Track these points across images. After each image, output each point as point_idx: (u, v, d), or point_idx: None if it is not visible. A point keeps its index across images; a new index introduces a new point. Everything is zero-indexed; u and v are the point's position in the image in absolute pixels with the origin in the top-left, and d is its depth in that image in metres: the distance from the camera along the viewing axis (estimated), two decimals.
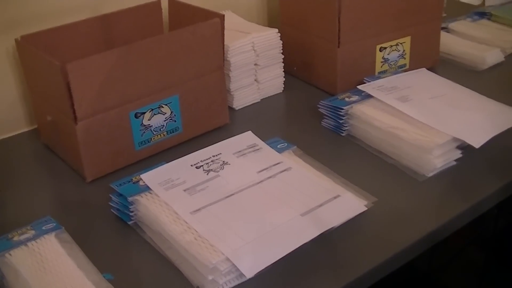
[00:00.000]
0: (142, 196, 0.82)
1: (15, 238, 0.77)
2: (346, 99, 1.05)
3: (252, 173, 0.87)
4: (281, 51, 1.17)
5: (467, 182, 0.90)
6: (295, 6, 1.22)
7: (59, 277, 0.71)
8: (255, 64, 1.15)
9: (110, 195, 0.84)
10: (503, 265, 1.25)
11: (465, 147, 0.94)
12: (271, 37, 1.15)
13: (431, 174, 0.91)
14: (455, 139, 0.93)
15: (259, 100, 1.19)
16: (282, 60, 1.19)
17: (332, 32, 1.12)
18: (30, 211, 0.87)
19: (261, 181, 0.85)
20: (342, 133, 1.04)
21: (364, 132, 1.01)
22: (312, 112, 1.10)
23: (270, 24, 1.36)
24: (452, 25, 1.46)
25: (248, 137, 0.97)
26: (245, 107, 1.17)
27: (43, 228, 0.79)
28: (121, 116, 0.93)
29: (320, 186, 0.85)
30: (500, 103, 1.04)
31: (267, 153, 0.93)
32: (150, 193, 0.83)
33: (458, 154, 0.94)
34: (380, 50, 1.18)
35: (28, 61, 0.98)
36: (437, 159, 0.91)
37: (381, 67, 1.20)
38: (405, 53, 1.22)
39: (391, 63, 1.21)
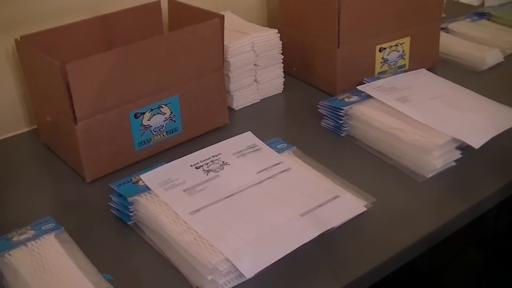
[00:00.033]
0: (141, 196, 0.82)
1: (15, 238, 0.77)
2: (346, 99, 1.05)
3: (251, 174, 0.87)
4: (281, 51, 1.17)
5: (466, 182, 0.90)
6: (295, 7, 1.22)
7: (59, 277, 0.71)
8: (255, 65, 1.15)
9: (110, 195, 0.84)
10: (503, 265, 1.25)
11: (464, 148, 0.94)
12: (270, 38, 1.15)
13: (430, 175, 0.91)
14: (455, 140, 0.93)
15: (258, 101, 1.19)
16: (281, 61, 1.19)
17: (331, 33, 1.12)
18: (30, 211, 0.87)
19: (260, 182, 0.85)
20: (342, 133, 1.04)
21: (363, 132, 1.01)
22: (311, 113, 1.10)
23: (270, 25, 1.37)
24: (452, 26, 1.46)
25: (247, 138, 0.97)
26: (245, 107, 1.17)
27: (43, 228, 0.79)
28: (120, 116, 0.93)
29: (319, 187, 0.85)
30: (500, 103, 1.04)
31: (266, 154, 0.93)
32: (150, 193, 0.83)
33: (457, 154, 0.94)
34: (380, 51, 1.18)
35: (28, 61, 0.98)
36: (437, 159, 0.91)
37: (381, 67, 1.20)
38: (405, 54, 1.22)
39: (390, 64, 1.21)
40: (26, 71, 1.00)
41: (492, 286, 1.25)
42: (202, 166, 0.89)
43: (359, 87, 1.07)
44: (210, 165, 0.89)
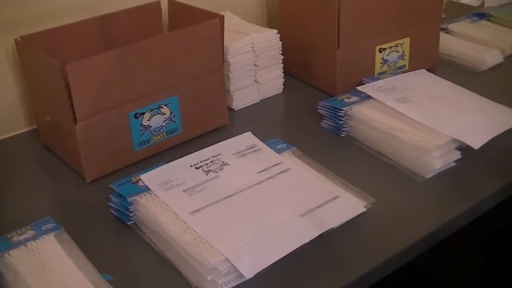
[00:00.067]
0: (141, 197, 0.82)
1: (15, 238, 0.77)
2: (346, 100, 1.05)
3: (251, 174, 0.87)
4: (281, 51, 1.17)
5: (466, 183, 0.90)
6: (295, 7, 1.22)
7: (59, 277, 0.71)
8: (255, 65, 1.15)
9: (110, 196, 0.84)
10: (502, 266, 1.25)
11: (464, 148, 0.94)
12: (270, 38, 1.15)
13: (430, 175, 0.91)
14: (455, 140, 0.93)
15: (258, 101, 1.19)
16: (281, 61, 1.19)
17: (331, 33, 1.12)
18: (30, 211, 0.87)
19: (260, 182, 0.85)
20: (342, 134, 1.04)
21: (363, 133, 1.01)
22: (311, 113, 1.10)
23: (270, 25, 1.36)
24: (452, 26, 1.46)
25: (247, 138, 0.97)
26: (245, 107, 1.17)
27: (43, 228, 0.79)
28: (120, 116, 0.93)
29: (319, 187, 0.85)
30: (500, 104, 1.04)
31: (266, 154, 0.93)
32: (150, 193, 0.83)
33: (457, 155, 0.94)
34: (380, 51, 1.18)
35: (27, 61, 0.98)
36: (437, 160, 0.91)
37: (381, 68, 1.20)
38: (405, 54, 1.22)
39: (390, 64, 1.21)
40: (26, 71, 1.00)
41: (492, 286, 1.25)
42: (202, 166, 0.89)
43: (359, 88, 1.07)
44: (210, 165, 0.89)
